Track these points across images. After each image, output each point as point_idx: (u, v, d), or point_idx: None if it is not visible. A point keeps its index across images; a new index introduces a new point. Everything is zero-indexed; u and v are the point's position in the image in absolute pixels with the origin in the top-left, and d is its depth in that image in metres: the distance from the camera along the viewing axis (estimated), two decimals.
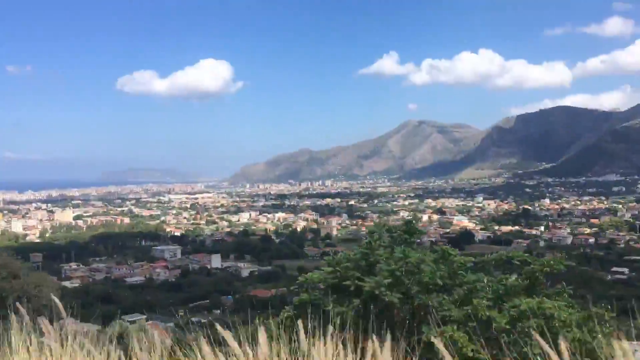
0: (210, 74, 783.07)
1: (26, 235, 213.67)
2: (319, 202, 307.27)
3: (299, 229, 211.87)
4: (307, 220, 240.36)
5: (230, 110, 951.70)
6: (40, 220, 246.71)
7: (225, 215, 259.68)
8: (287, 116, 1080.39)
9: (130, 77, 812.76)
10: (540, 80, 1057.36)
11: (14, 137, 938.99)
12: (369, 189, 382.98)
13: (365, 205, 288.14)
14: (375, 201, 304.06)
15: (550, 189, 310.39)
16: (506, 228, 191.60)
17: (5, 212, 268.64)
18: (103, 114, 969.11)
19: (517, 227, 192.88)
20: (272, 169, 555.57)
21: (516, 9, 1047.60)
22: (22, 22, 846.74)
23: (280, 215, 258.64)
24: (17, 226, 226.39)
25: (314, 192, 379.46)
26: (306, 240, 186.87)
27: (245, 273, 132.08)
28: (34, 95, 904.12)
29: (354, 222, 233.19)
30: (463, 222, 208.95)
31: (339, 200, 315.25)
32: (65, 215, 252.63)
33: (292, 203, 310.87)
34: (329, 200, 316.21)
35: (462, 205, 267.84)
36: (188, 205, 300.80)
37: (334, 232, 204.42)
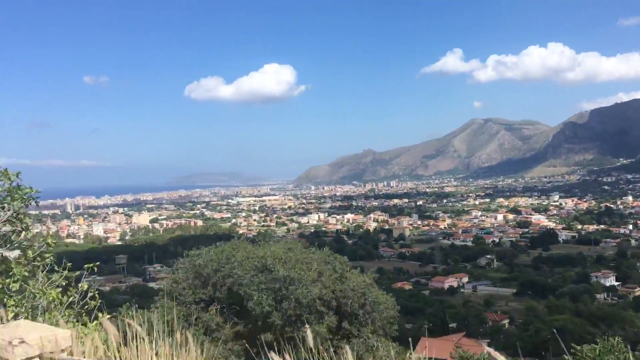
0: (274, 78, 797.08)
1: (107, 238, 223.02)
2: (386, 203, 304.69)
3: (370, 230, 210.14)
4: (377, 221, 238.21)
5: (293, 113, 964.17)
6: (119, 223, 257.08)
7: (294, 217, 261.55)
8: (350, 118, 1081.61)
9: (197, 84, 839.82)
10: (615, 73, 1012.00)
11: (91, 145, 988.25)
12: (436, 189, 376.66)
13: (434, 205, 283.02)
14: (444, 201, 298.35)
15: (630, 186, 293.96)
16: (590, 227, 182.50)
17: (86, 216, 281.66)
18: (172, 121, 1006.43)
19: (602, 226, 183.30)
20: (336, 170, 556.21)
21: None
22: (97, 35, 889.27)
23: (349, 216, 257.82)
24: (98, 229, 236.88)
25: (380, 193, 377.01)
26: (380, 241, 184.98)
27: None
28: (108, 104, 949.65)
29: (425, 222, 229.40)
30: (542, 221, 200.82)
31: (406, 200, 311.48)
32: (142, 219, 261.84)
33: (359, 204, 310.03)
34: (396, 200, 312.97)
35: (538, 204, 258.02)
36: (256, 208, 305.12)
37: (407, 233, 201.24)
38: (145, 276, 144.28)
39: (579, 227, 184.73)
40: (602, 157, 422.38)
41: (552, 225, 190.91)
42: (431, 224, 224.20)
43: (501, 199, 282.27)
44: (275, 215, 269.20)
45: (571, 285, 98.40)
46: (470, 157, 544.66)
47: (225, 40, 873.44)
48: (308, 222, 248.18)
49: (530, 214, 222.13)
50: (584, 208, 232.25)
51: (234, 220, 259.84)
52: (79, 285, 5.89)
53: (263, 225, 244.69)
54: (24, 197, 6.06)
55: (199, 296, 16.80)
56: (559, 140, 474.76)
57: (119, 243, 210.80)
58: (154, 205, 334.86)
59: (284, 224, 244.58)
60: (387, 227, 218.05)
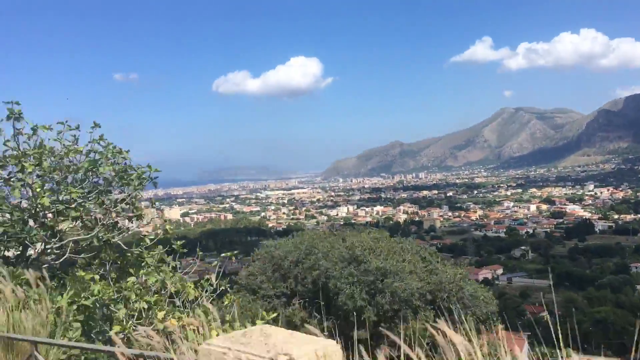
0: (300, 71, 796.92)
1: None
2: (415, 195, 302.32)
3: (400, 222, 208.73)
4: (406, 212, 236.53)
5: (320, 106, 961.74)
6: (151, 218, 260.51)
7: (323, 210, 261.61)
8: (377, 110, 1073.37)
9: (224, 78, 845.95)
10: None
11: (121, 140, 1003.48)
12: (466, 180, 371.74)
13: (464, 196, 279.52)
14: (475, 192, 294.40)
15: None
16: (627, 216, 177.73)
17: None
18: (200, 116, 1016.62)
19: (639, 216, 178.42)
20: (364, 163, 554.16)
21: None
22: (127, 33, 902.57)
23: (378, 208, 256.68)
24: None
25: (409, 185, 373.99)
26: (410, 233, 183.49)
27: None
28: (138, 101, 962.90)
29: (456, 213, 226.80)
30: (577, 211, 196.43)
31: (436, 192, 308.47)
32: (174, 213, 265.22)
33: (387, 196, 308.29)
34: (425, 192, 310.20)
35: (572, 193, 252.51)
36: (285, 201, 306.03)
37: (437, 225, 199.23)
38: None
39: (616, 216, 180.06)
40: (637, 144, 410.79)
41: (587, 215, 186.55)
42: (462, 215, 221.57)
43: (534, 189, 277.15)
44: (304, 208, 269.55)
45: (610, 276, 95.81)
46: (500, 147, 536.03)
47: (252, 34, 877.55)
48: (337, 214, 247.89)
49: (565, 204, 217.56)
50: (620, 197, 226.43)
51: (263, 214, 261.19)
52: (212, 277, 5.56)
53: (292, 218, 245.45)
54: (140, 178, 5.62)
55: (279, 290, 15.89)
56: (592, 129, 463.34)
57: (152, 237, 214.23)
58: (184, 200, 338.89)
59: (313, 217, 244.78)
60: (417, 219, 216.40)
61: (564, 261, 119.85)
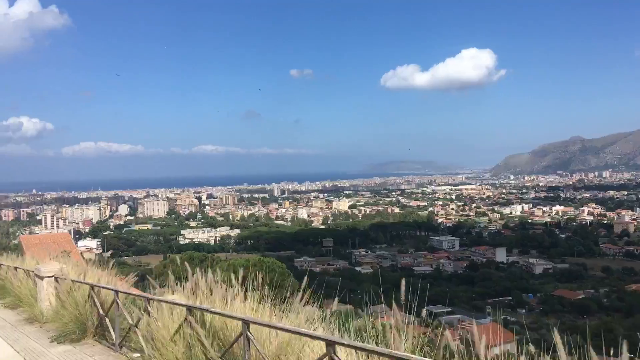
0: (471, 63, 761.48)
1: (311, 221, 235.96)
2: (599, 195, 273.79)
3: (585, 224, 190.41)
4: (591, 214, 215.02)
5: (491, 99, 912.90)
6: (321, 208, 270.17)
7: (494, 207, 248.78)
8: (555, 102, 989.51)
9: (393, 72, 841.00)
10: None
11: (294, 134, 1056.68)
12: None
13: None
14: None
15: None
16: None
17: (290, 200, 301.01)
18: (367, 110, 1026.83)
19: None
20: (538, 159, 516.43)
21: None
22: (301, 29, 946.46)
23: (557, 208, 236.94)
24: (302, 213, 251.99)
25: (591, 184, 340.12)
26: (599, 236, 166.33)
27: (538, 270, 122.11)
28: (310, 96, 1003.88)
29: None
30: None
31: (624, 192, 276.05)
32: (342, 205, 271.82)
33: (566, 195, 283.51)
34: (611, 192, 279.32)
35: None
36: (453, 197, 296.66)
37: (631, 229, 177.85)
38: (351, 260, 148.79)
39: None
40: None
41: None
42: None
43: None
44: (474, 205, 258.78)
45: None
46: None
47: (422, 27, 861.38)
48: (511, 213, 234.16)
49: None
50: None
51: (430, 209, 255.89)
52: None
53: (462, 215, 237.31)
54: None
55: None
56: None
57: (322, 227, 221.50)
58: (351, 192, 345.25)
59: (484, 214, 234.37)
60: (605, 221, 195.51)
61: None
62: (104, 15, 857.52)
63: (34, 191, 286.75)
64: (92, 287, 10.20)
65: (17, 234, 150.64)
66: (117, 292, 9.36)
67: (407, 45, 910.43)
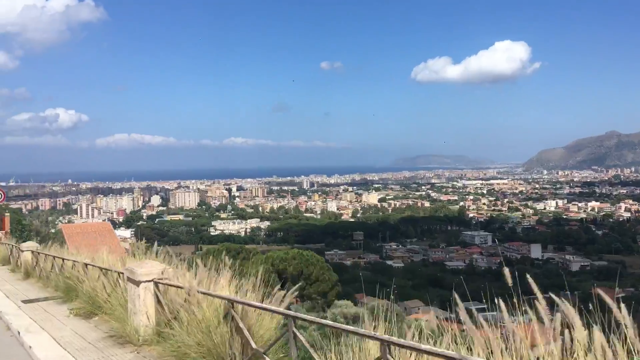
0: (505, 56, 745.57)
1: (341, 214, 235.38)
2: (637, 191, 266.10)
3: (623, 221, 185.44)
4: (629, 210, 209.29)
5: (525, 92, 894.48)
6: (350, 201, 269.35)
7: (528, 203, 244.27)
8: (591, 96, 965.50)
9: (424, 65, 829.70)
10: None
11: (323, 127, 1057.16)
12: None
13: None
14: None
15: None
16: None
17: (320, 193, 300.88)
18: (397, 104, 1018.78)
19: None
20: (572, 154, 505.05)
21: None
22: (333, 22, 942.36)
23: (593, 204, 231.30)
24: (332, 206, 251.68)
25: (628, 180, 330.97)
26: (637, 233, 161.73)
27: (574, 267, 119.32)
28: (339, 89, 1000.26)
29: None
30: None
31: None
32: (371, 198, 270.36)
33: (602, 191, 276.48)
34: None
35: None
36: (484, 191, 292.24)
37: None
38: (382, 253, 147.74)
39: None
40: None
41: None
42: None
43: None
44: (506, 200, 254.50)
45: None
46: None
47: (455, 18, 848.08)
48: (545, 208, 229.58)
49: None
50: None
51: (461, 203, 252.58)
52: None
53: (494, 210, 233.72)
54: None
55: None
56: None
57: (352, 220, 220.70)
58: (380, 185, 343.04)
59: (517, 209, 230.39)
60: None
61: None
62: (138, 8, 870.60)
63: (70, 181, 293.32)
64: (231, 302, 6.58)
65: (56, 223, 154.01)
66: (294, 318, 5.57)
67: (439, 37, 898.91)
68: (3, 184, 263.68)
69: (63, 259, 14.85)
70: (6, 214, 43.40)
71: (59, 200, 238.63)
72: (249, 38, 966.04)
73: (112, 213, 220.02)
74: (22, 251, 19.22)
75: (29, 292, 14.99)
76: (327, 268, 36.75)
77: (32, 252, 18.80)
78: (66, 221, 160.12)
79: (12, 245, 23.09)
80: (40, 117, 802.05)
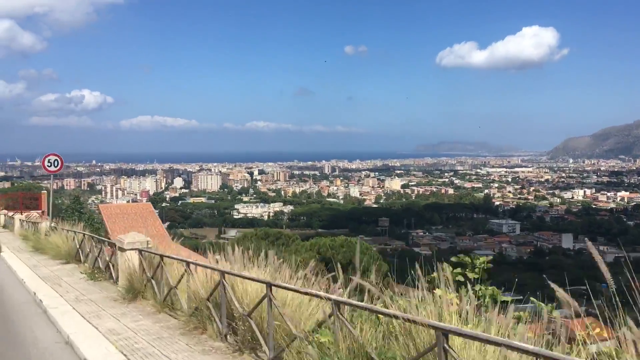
0: (532, 41, 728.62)
1: (364, 200, 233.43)
2: None
3: None
4: None
5: (552, 79, 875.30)
6: (372, 187, 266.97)
7: (555, 192, 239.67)
8: (619, 84, 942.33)
9: (449, 50, 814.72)
10: None
11: (345, 112, 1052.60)
12: None
13: None
14: None
15: None
16: None
17: (342, 178, 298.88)
18: (421, 89, 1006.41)
19: None
20: (599, 142, 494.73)
21: None
22: (357, 5, 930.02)
23: (622, 194, 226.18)
24: (354, 192, 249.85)
25: None
26: None
27: (609, 258, 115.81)
28: (363, 73, 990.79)
29: None
30: None
31: None
32: (394, 184, 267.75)
33: (631, 181, 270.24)
34: None
35: None
36: (509, 179, 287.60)
37: None
38: (408, 240, 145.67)
39: None
40: None
41: None
42: None
43: None
44: (532, 188, 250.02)
45: None
46: None
47: (482, 3, 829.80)
48: (572, 197, 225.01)
49: None
50: None
51: (486, 191, 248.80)
52: None
53: (520, 198, 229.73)
54: None
55: None
56: None
57: (375, 206, 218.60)
58: (402, 172, 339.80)
59: (543, 198, 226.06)
60: None
61: None
62: None
63: (94, 162, 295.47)
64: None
65: (88, 203, 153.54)
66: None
67: (466, 22, 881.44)
68: (29, 163, 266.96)
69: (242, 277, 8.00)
70: (43, 191, 41.54)
71: (84, 181, 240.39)
72: (274, 21, 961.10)
73: (135, 194, 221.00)
74: (124, 250, 12.16)
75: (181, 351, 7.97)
76: (377, 257, 34.97)
77: (141, 252, 12.03)
78: (99, 202, 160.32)
79: (84, 235, 17.35)
80: (66, 98, 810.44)
